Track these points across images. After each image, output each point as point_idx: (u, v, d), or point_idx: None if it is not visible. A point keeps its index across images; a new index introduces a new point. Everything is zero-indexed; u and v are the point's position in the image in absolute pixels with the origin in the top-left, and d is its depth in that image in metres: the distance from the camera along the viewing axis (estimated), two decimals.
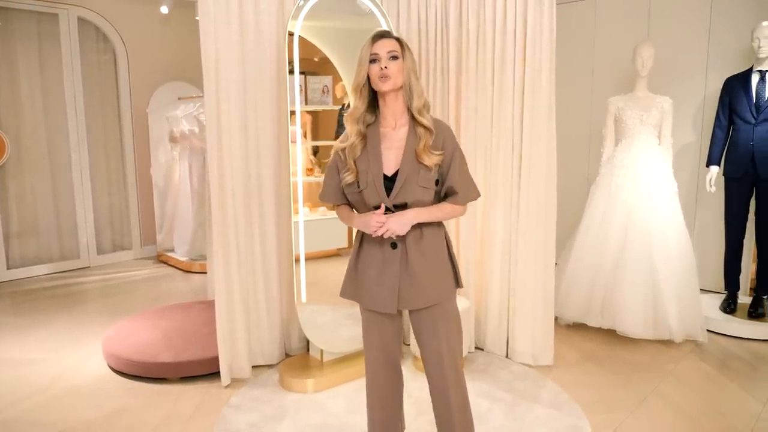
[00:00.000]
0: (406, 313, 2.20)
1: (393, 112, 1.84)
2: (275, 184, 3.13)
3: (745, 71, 3.68)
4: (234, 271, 2.98)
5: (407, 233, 1.83)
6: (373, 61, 1.78)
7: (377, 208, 1.81)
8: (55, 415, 2.72)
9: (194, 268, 5.37)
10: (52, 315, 4.14)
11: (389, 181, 1.81)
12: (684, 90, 4.34)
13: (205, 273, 5.17)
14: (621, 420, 2.62)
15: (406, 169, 1.79)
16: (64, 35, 5.19)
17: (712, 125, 3.87)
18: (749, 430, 2.54)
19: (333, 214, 4.03)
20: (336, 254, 3.88)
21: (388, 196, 1.80)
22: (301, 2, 2.81)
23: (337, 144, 1.88)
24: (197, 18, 5.16)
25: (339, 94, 4.01)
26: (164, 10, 5.39)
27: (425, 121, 1.81)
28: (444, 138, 1.84)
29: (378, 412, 2.05)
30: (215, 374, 3.01)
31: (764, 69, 3.56)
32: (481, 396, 2.82)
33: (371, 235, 1.81)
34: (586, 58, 4.99)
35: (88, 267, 5.50)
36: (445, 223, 1.97)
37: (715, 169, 3.80)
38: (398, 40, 1.81)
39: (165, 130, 5.66)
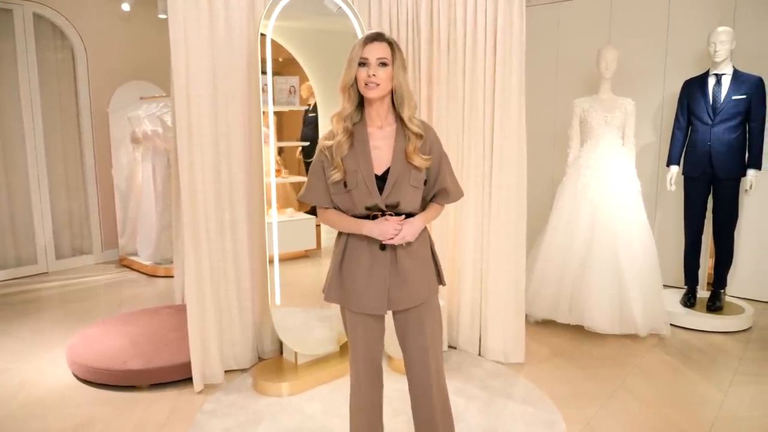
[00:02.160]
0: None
1: (379, 114, 1.84)
2: (247, 185, 3.09)
3: (702, 74, 3.83)
4: (206, 275, 2.92)
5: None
6: (362, 64, 1.76)
7: (369, 209, 1.80)
8: (21, 427, 2.61)
9: (159, 272, 5.25)
10: (9, 323, 3.97)
11: (379, 181, 1.80)
12: (643, 92, 4.48)
13: (171, 277, 5.06)
14: (592, 413, 2.69)
15: (397, 168, 1.79)
16: (18, 32, 4.99)
17: (671, 126, 4.01)
18: (713, 418, 2.65)
19: (301, 215, 4.03)
20: (304, 256, 3.86)
21: (380, 194, 1.79)
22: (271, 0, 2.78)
23: (322, 141, 1.85)
24: (160, 16, 5.07)
25: (305, 95, 3.99)
26: (125, 7, 5.26)
27: (415, 128, 1.82)
28: (431, 142, 1.86)
29: (363, 414, 2.03)
30: (187, 380, 2.95)
31: (720, 72, 3.71)
32: (456, 394, 2.84)
33: (382, 241, 1.79)
34: (550, 60, 5.11)
35: (46, 273, 5.30)
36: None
37: (675, 169, 3.94)
38: (390, 43, 1.79)
39: (126, 131, 5.51)
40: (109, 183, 5.65)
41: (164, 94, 5.51)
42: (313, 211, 4.07)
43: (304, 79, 3.70)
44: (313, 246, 3.87)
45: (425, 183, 1.88)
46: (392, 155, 1.81)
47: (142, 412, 2.72)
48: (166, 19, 5.23)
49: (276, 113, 4.11)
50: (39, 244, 5.26)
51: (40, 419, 2.68)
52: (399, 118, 1.84)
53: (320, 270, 3.88)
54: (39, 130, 5.19)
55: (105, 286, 4.94)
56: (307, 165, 5.11)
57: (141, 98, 5.53)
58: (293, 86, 3.57)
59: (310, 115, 4.35)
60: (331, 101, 3.77)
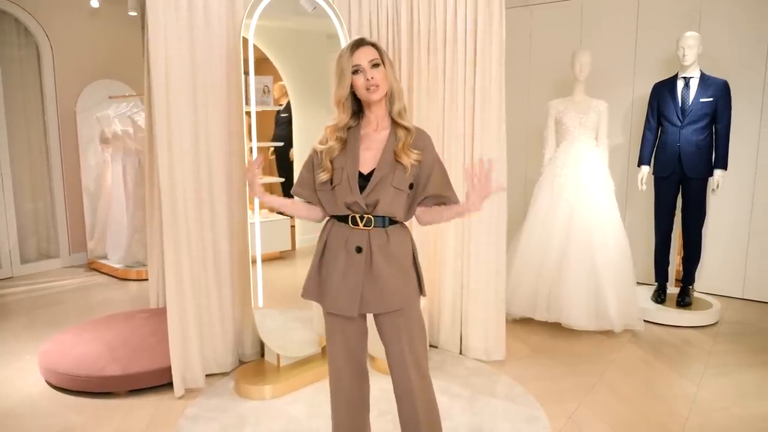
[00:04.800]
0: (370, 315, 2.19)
1: (377, 116, 1.85)
2: (227, 186, 3.05)
3: (671, 77, 3.95)
4: (186, 277, 2.87)
5: (373, 237, 1.83)
6: (355, 72, 1.77)
7: (348, 207, 1.80)
8: None
9: (130, 275, 5.13)
10: None
11: (364, 180, 1.81)
12: (613, 94, 4.58)
13: (143, 280, 4.96)
14: (573, 408, 2.75)
15: (382, 168, 1.80)
16: None
17: (642, 128, 4.13)
18: (688, 410, 2.73)
19: (276, 216, 4.00)
20: (279, 257, 3.83)
21: (361, 193, 1.80)
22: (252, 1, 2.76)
23: (315, 145, 1.86)
24: (130, 13, 4.96)
25: (277, 95, 3.96)
26: (94, 3, 5.11)
27: (405, 123, 1.83)
28: (424, 143, 1.87)
29: (344, 416, 2.03)
30: (166, 386, 2.89)
31: (688, 75, 3.84)
32: (439, 393, 2.82)
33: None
34: (522, 62, 5.19)
35: (11, 277, 5.12)
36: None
37: (645, 169, 4.05)
38: (374, 45, 1.81)
39: (95, 131, 5.37)
40: (76, 184, 5.48)
41: (134, 93, 5.40)
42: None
43: (276, 78, 3.68)
44: (288, 247, 3.85)
45: (411, 187, 1.86)
46: (381, 156, 1.82)
47: (121, 419, 2.66)
48: (137, 16, 5.14)
49: (249, 113, 4.08)
50: (3, 248, 5.08)
51: (14, 429, 2.58)
52: (393, 120, 1.85)
53: (295, 271, 3.85)
54: (2, 130, 5.01)
55: (74, 291, 4.80)
56: (279, 165, 5.09)
57: (110, 97, 5.40)
58: (267, 86, 3.54)
59: (283, 115, 4.32)
60: (305, 100, 3.76)
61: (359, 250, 1.82)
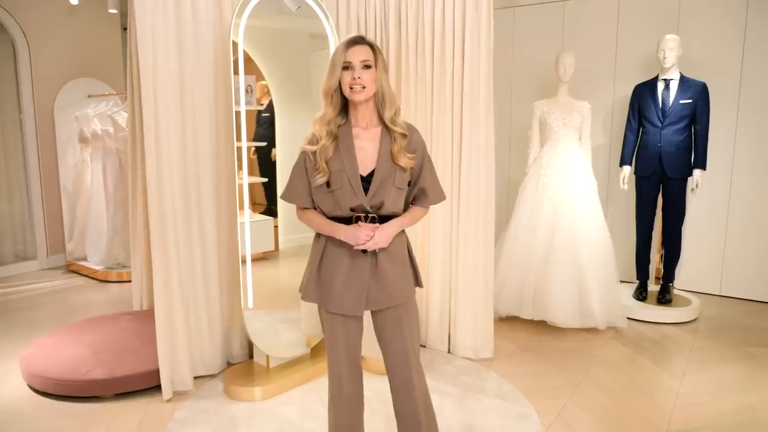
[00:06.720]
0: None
1: (364, 116, 1.85)
2: (215, 187, 3.03)
3: (651, 79, 4.03)
4: (174, 279, 2.83)
5: None
6: (345, 68, 1.77)
7: (353, 209, 1.81)
8: None
9: (111, 276, 5.04)
10: None
11: (364, 182, 1.81)
12: (595, 95, 4.65)
13: (124, 282, 4.89)
14: (562, 405, 2.79)
15: (382, 169, 1.80)
16: None
17: (622, 128, 4.21)
18: (672, 404, 2.80)
19: (259, 216, 3.97)
20: (262, 258, 3.81)
21: (365, 195, 1.80)
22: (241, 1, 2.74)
23: (305, 146, 1.84)
24: (111, 11, 4.88)
25: (258, 95, 3.94)
26: (73, 0, 5.00)
27: (399, 129, 1.83)
28: (416, 142, 1.88)
29: (344, 415, 2.03)
30: (153, 389, 2.86)
31: (668, 77, 3.92)
32: (429, 391, 2.87)
33: (353, 246, 1.79)
34: (505, 63, 5.23)
35: None
36: None
37: (627, 169, 4.13)
38: (371, 46, 1.80)
39: (74, 130, 5.26)
40: (54, 184, 5.37)
41: (114, 92, 5.31)
42: (269, 213, 4.03)
43: (259, 77, 3.66)
44: (272, 248, 3.83)
45: (409, 184, 1.90)
46: (378, 156, 1.82)
47: (109, 423, 2.61)
48: (117, 14, 5.04)
49: (237, 113, 4.04)
50: None
51: None
52: (385, 124, 1.85)
53: (279, 272, 3.83)
54: None
55: (53, 293, 4.70)
56: (261, 165, 5.06)
57: (89, 96, 5.30)
58: (250, 85, 3.52)
59: (264, 115, 4.30)
60: (287, 100, 3.75)
61: (365, 250, 1.83)
